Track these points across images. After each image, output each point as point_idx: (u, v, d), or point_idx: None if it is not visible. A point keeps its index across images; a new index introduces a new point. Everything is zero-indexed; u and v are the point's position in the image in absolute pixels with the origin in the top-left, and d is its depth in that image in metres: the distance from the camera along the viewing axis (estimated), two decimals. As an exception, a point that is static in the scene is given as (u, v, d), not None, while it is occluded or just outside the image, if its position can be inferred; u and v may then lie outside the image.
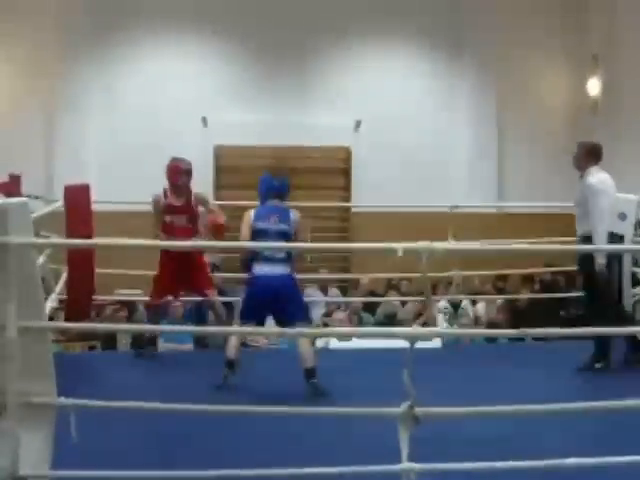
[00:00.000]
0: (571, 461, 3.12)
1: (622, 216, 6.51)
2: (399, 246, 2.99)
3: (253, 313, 5.64)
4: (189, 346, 8.04)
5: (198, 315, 8.45)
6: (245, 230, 5.71)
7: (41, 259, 6.10)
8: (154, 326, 6.61)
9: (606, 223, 6.06)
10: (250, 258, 5.68)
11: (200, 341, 8.27)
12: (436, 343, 7.27)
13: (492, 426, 4.28)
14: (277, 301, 5.58)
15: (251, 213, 5.78)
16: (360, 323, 9.13)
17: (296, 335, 5.73)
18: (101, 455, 4.12)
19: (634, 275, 6.84)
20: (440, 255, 2.96)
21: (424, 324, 8.46)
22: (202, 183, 11.75)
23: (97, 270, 6.75)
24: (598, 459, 3.18)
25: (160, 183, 6.96)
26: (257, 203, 5.95)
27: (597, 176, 6.21)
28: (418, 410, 2.99)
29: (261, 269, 5.60)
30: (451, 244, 7.07)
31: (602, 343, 6.26)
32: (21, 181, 6.79)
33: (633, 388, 3.89)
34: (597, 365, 6.25)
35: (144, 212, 7.19)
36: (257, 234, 5.65)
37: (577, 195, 6.33)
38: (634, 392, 3.37)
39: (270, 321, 5.88)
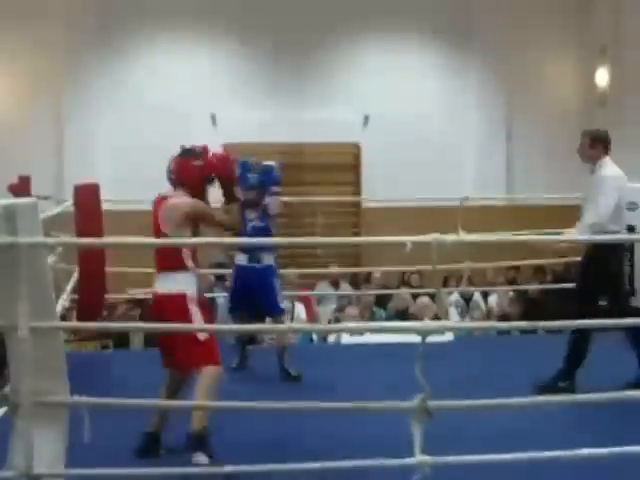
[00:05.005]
0: (585, 452, 3.10)
1: (633, 206, 6.36)
2: (408, 239, 2.99)
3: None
4: None
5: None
6: None
7: (52, 259, 6.11)
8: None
9: (602, 223, 5.30)
10: None
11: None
12: (448, 337, 7.25)
13: (504, 421, 4.27)
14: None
15: None
16: (372, 318, 9.11)
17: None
18: (114, 453, 4.14)
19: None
20: (449, 247, 2.96)
21: (435, 317, 8.44)
22: (212, 181, 11.89)
23: (108, 269, 6.74)
24: (611, 449, 3.17)
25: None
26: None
27: (612, 169, 5.51)
28: (431, 403, 2.99)
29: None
30: (462, 236, 7.02)
31: (575, 356, 5.58)
32: (31, 181, 6.81)
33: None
34: (561, 384, 5.44)
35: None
36: None
37: (587, 191, 5.58)
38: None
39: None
